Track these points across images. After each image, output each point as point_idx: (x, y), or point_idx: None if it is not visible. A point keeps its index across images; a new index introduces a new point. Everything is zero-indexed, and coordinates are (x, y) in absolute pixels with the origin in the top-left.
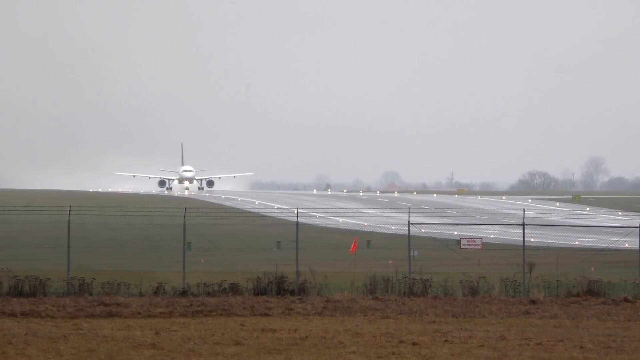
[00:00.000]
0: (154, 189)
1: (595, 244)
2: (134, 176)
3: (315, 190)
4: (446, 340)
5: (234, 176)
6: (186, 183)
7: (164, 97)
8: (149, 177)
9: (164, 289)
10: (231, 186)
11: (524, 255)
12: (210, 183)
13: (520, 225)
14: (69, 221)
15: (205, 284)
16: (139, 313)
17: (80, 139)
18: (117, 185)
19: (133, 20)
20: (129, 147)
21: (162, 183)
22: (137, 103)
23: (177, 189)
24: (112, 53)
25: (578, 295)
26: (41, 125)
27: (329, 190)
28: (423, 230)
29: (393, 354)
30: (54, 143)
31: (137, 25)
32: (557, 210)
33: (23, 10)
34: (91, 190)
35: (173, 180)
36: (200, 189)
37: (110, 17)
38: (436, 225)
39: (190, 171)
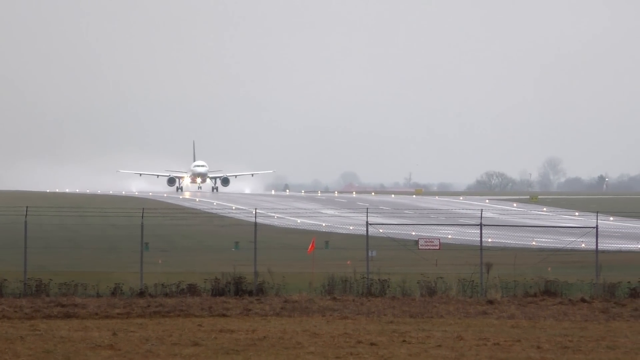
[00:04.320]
0: (162, 188)
1: (552, 245)
2: (140, 175)
3: (273, 191)
4: (404, 341)
5: (252, 174)
6: (198, 180)
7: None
8: (157, 176)
9: (121, 290)
10: (242, 186)
11: (482, 255)
12: (225, 181)
13: (477, 225)
14: (25, 222)
15: (163, 284)
16: (96, 314)
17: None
18: (122, 184)
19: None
20: (135, 145)
21: (171, 181)
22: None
23: (188, 189)
24: (126, 51)
25: (535, 295)
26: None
27: (287, 190)
28: (381, 231)
29: (351, 354)
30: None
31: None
32: (514, 210)
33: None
34: (48, 191)
35: (183, 178)
36: (214, 188)
37: (114, 14)
38: (394, 226)
39: (203, 166)
